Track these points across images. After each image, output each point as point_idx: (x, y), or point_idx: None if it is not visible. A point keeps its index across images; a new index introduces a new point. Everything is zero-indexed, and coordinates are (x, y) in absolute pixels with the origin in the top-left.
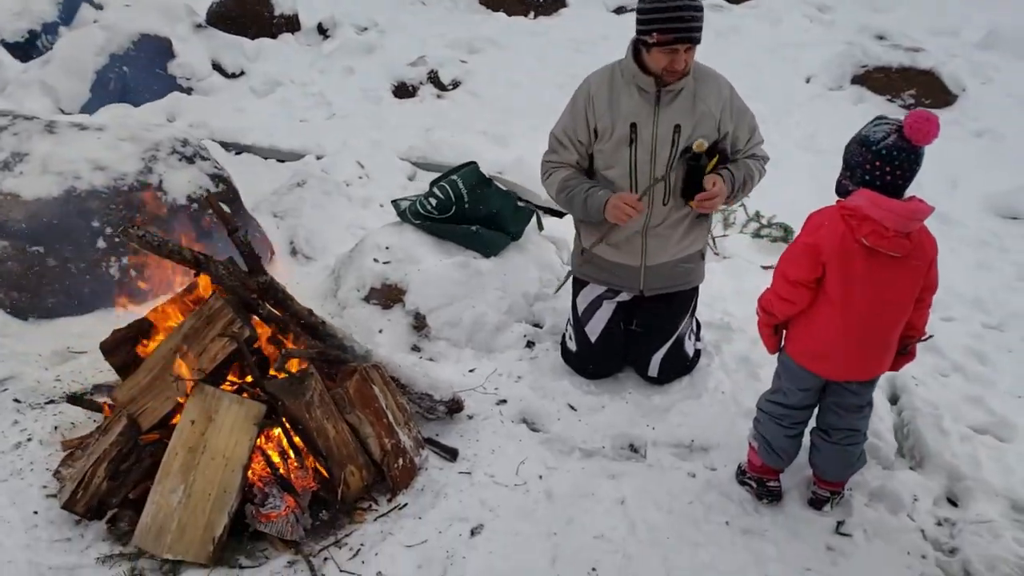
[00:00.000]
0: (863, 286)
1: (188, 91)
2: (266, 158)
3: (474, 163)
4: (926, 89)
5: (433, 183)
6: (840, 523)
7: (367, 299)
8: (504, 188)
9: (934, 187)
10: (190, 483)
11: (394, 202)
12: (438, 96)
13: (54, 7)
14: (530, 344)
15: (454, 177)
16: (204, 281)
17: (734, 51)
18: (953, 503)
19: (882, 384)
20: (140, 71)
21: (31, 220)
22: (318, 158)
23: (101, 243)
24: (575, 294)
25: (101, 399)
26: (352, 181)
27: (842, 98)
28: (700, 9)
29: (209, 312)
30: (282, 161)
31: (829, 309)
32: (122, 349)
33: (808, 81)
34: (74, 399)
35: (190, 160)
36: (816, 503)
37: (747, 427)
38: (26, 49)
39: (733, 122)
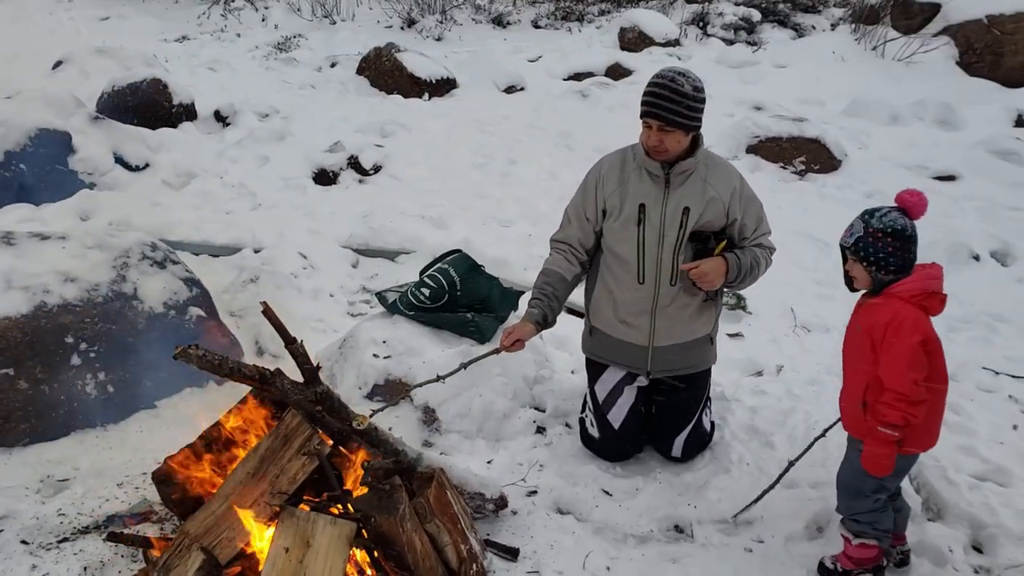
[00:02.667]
0: (943, 354)
1: (91, 186)
2: (197, 254)
3: (460, 250)
4: (815, 156)
5: (422, 272)
6: None
7: (370, 396)
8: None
9: None
10: None
11: (379, 295)
12: (360, 181)
13: None
14: (541, 430)
15: (444, 266)
16: (250, 400)
17: (628, 125)
18: (978, 550)
19: None
20: (38, 168)
21: None
22: (256, 251)
23: (76, 360)
24: (592, 381)
25: (122, 530)
26: (298, 273)
27: (740, 167)
28: (681, 95)
29: (286, 430)
30: (215, 256)
31: (938, 388)
32: (176, 477)
33: None
34: (116, 536)
35: (161, 265)
36: (906, 561)
37: (780, 496)
38: None
39: (741, 210)
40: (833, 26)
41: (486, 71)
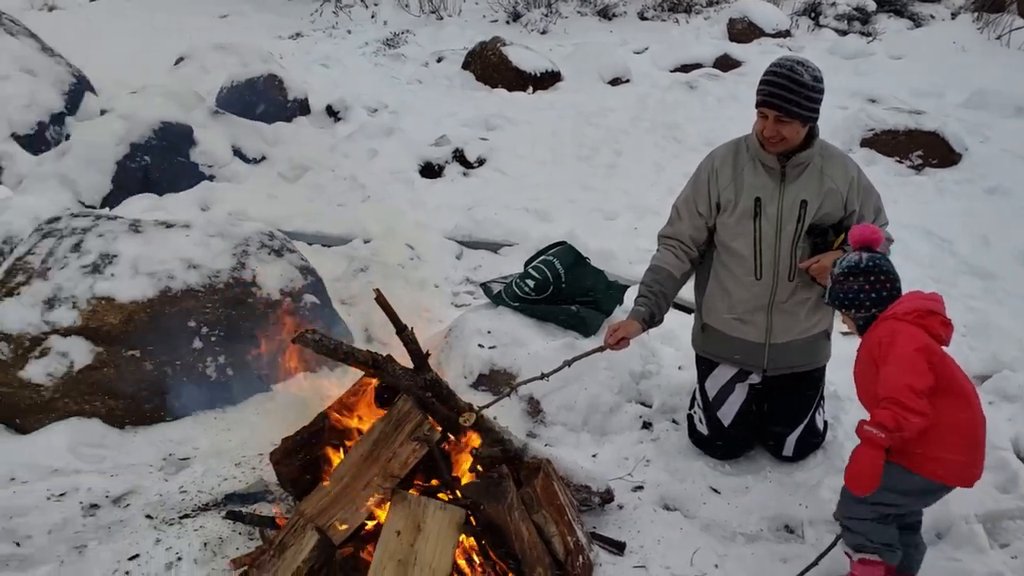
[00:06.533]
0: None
1: (211, 178)
2: (311, 244)
3: (566, 242)
4: (931, 149)
5: (527, 264)
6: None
7: (475, 386)
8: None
9: (970, 244)
10: None
11: (483, 286)
12: (464, 174)
13: (60, 97)
14: (647, 425)
15: (549, 257)
16: (370, 383)
17: (738, 116)
18: None
19: None
20: (161, 160)
21: (126, 324)
22: (365, 242)
23: (198, 343)
24: (702, 377)
25: (240, 508)
26: (405, 264)
27: (855, 160)
28: (800, 84)
29: (398, 415)
30: (327, 246)
31: (954, 409)
32: (293, 459)
33: None
34: (235, 515)
35: (279, 253)
36: None
37: None
38: (35, 141)
39: (859, 200)
40: (954, 15)
41: (591, 63)
